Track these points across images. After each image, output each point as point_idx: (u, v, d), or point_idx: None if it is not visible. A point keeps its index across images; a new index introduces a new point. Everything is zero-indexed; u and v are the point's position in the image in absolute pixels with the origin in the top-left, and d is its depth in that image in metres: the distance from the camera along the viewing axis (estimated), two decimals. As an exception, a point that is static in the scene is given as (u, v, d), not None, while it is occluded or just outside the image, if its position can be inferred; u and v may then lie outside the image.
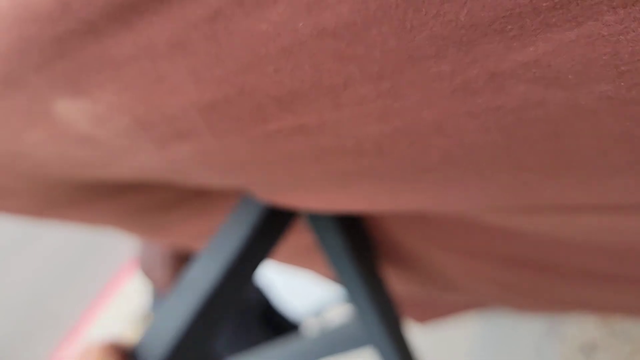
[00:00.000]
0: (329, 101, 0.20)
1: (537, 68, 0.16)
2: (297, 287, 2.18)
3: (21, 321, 3.51)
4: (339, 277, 0.52)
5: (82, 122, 0.26)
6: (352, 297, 0.53)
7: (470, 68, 0.17)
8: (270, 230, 0.39)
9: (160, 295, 1.23)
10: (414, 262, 0.62)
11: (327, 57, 0.18)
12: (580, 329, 1.33)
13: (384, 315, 0.54)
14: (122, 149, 0.29)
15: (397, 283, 0.71)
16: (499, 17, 0.14)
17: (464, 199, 0.28)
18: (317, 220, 0.47)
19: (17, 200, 0.42)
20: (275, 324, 1.64)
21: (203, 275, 0.36)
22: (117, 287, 3.33)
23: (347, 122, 0.22)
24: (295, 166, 0.27)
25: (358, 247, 0.48)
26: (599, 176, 0.22)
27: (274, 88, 0.20)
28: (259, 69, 0.19)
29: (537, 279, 0.57)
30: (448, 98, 0.18)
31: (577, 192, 0.24)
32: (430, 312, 1.02)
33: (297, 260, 0.79)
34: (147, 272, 1.16)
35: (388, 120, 0.20)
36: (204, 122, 0.24)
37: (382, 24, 0.16)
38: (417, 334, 1.20)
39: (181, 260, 1.14)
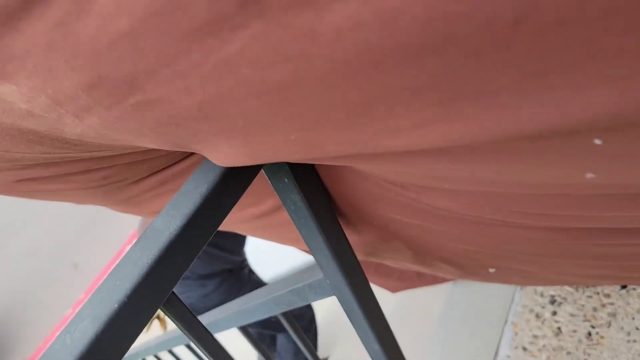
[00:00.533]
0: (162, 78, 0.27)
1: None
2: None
3: (23, 299, 3.56)
4: (301, 231, 0.55)
5: (17, 100, 0.32)
6: (314, 249, 0.57)
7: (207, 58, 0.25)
8: (226, 187, 0.42)
9: None
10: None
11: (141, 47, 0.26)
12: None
13: (345, 266, 0.58)
14: (55, 120, 0.33)
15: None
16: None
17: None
18: (277, 181, 0.50)
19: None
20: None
21: (163, 227, 0.39)
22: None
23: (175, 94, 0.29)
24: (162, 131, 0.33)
25: (316, 202, 0.51)
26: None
27: (118, 70, 0.27)
28: (105, 58, 0.26)
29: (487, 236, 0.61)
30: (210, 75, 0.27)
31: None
32: (401, 283, 1.07)
33: (270, 232, 0.84)
34: None
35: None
36: (92, 99, 0.30)
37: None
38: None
39: None
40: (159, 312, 1.37)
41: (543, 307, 1.36)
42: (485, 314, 1.44)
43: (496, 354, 1.34)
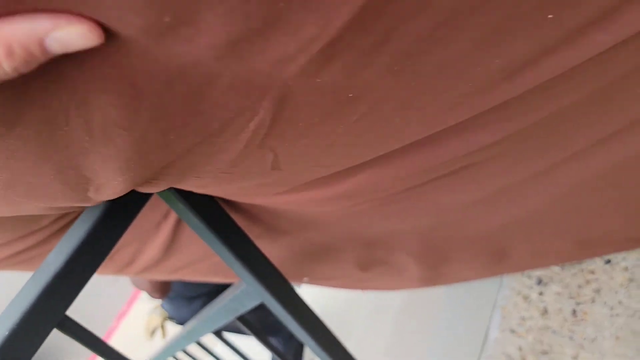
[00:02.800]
0: None
1: None
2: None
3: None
4: (217, 252, 0.62)
5: None
6: (227, 263, 0.63)
7: None
8: (111, 219, 0.49)
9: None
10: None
11: None
12: (532, 264, 1.41)
13: (259, 273, 0.64)
14: None
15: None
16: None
17: None
18: (171, 204, 0.56)
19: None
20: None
21: (52, 261, 0.46)
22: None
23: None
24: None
25: (213, 216, 0.58)
26: None
27: None
28: None
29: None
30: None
31: None
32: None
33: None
34: (138, 286, 1.50)
35: None
36: None
37: None
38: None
39: None
40: (160, 322, 1.47)
41: (530, 289, 1.38)
42: (476, 300, 1.47)
43: (486, 336, 1.37)
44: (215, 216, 0.58)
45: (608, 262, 1.30)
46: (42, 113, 0.27)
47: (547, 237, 0.84)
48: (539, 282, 1.38)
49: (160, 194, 0.56)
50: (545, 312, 1.32)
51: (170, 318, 1.69)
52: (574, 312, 1.28)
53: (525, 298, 1.37)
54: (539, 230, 0.80)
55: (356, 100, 0.30)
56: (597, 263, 1.31)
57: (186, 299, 1.63)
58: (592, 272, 1.31)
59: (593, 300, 1.27)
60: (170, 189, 0.54)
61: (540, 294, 1.36)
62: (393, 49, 0.26)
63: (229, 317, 0.81)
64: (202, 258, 0.84)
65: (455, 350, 1.42)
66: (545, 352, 1.26)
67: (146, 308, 1.79)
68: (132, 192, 0.44)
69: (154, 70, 0.24)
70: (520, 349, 1.30)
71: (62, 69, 0.24)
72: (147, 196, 0.53)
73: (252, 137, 0.33)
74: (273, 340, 1.86)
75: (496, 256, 0.94)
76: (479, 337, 1.38)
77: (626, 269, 1.27)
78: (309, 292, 2.40)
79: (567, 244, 0.87)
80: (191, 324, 0.95)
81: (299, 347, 1.92)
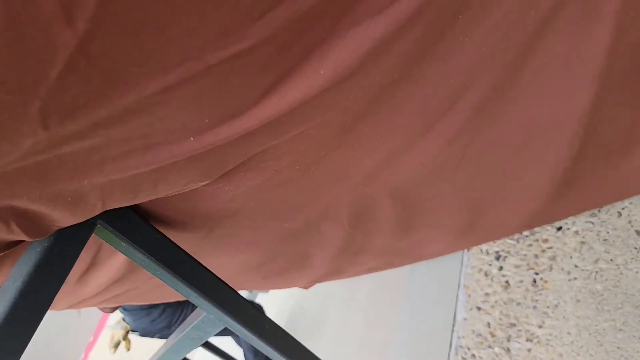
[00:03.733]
0: None
1: None
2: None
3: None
4: (169, 285, 0.58)
5: None
6: (184, 294, 0.60)
7: None
8: (59, 251, 0.45)
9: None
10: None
11: None
12: (490, 242, 1.44)
13: (217, 299, 0.61)
14: None
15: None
16: None
17: None
18: (115, 244, 0.53)
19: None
20: None
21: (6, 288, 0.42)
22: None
23: None
24: None
25: (159, 250, 0.54)
26: None
27: None
28: None
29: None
30: None
31: None
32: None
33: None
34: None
35: None
36: None
37: None
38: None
39: None
40: (122, 335, 1.44)
41: (490, 265, 1.41)
42: (440, 283, 1.48)
43: (454, 318, 1.39)
44: (160, 248, 0.55)
45: (559, 229, 1.34)
46: None
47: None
48: (498, 257, 1.41)
49: (100, 234, 0.52)
50: (507, 285, 1.35)
51: (133, 330, 1.70)
52: (534, 281, 1.31)
53: (487, 274, 1.40)
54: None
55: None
56: (549, 231, 1.35)
57: (144, 309, 1.63)
58: (546, 241, 1.35)
59: (551, 268, 1.31)
60: (108, 228, 0.50)
61: (500, 268, 1.38)
62: None
63: (194, 346, 0.78)
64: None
65: (426, 335, 1.43)
66: (512, 325, 1.29)
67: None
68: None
69: None
70: (488, 325, 1.32)
71: None
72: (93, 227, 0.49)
73: None
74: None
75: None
76: (448, 319, 1.39)
77: (577, 232, 1.32)
78: (278, 294, 2.37)
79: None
80: (156, 356, 0.91)
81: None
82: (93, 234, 0.50)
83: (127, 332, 1.71)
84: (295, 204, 0.68)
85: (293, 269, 1.00)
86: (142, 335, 1.69)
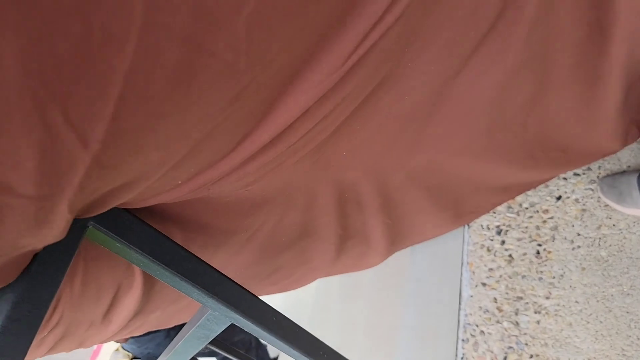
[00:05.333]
0: None
1: None
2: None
3: None
4: (171, 285, 0.56)
5: None
6: (187, 293, 0.57)
7: None
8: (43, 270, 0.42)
9: None
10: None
11: None
12: (490, 218, 1.42)
13: (222, 295, 0.59)
14: None
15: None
16: None
17: None
18: (111, 246, 0.50)
19: None
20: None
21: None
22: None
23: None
24: None
25: (157, 247, 0.51)
26: None
27: None
28: None
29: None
30: None
31: None
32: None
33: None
34: None
35: None
36: None
37: None
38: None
39: None
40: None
41: (492, 240, 1.40)
42: (444, 262, 1.47)
43: (460, 296, 1.38)
44: (158, 246, 0.52)
45: (559, 198, 1.33)
46: None
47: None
48: (499, 231, 1.39)
49: (92, 236, 0.49)
50: (511, 259, 1.34)
51: (135, 358, 1.62)
52: (538, 253, 1.30)
53: (489, 250, 1.39)
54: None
55: None
56: (549, 201, 1.34)
57: (147, 334, 1.58)
58: (546, 211, 1.34)
59: (553, 238, 1.30)
60: (101, 230, 0.47)
61: (503, 242, 1.37)
62: None
63: (200, 346, 0.75)
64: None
65: (433, 316, 1.42)
66: (519, 298, 1.28)
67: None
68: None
69: None
70: (495, 300, 1.31)
71: None
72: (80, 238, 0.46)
73: None
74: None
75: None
76: (454, 297, 1.38)
77: (577, 200, 1.31)
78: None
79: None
80: (165, 357, 0.88)
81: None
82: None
83: None
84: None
85: (298, 273, 1.03)
86: None
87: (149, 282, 0.72)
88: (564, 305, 1.21)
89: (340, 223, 0.90)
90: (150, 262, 0.52)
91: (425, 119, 0.74)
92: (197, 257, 0.57)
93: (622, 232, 1.22)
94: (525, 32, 0.70)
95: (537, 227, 1.33)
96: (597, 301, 1.18)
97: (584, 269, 1.23)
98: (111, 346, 1.66)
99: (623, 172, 1.28)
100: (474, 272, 1.38)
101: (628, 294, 1.15)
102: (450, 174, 0.92)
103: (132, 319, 0.78)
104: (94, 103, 0.31)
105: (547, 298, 1.24)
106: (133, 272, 0.68)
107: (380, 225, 0.99)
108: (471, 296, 1.35)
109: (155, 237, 0.53)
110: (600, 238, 1.24)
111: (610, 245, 1.22)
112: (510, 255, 1.34)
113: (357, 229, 0.97)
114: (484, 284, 1.35)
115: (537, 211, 1.35)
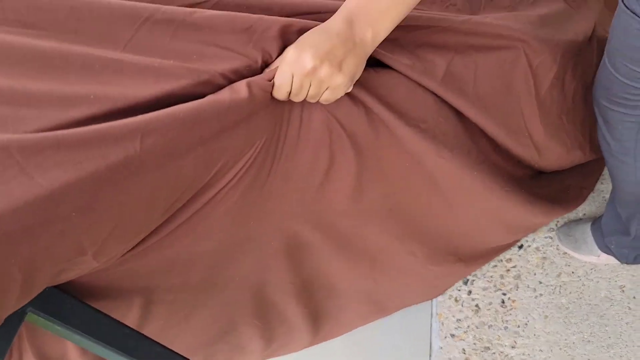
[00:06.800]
0: None
1: None
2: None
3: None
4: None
5: None
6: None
7: None
8: None
9: None
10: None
11: None
12: (456, 266, 1.45)
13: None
14: None
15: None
16: None
17: None
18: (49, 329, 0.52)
19: None
20: None
21: None
22: None
23: None
24: None
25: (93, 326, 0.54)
26: None
27: None
28: None
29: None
30: None
31: None
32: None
33: None
34: None
35: None
36: None
37: None
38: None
39: None
40: None
41: (459, 290, 1.42)
42: (415, 313, 1.48)
43: (430, 347, 1.39)
44: (100, 326, 0.54)
45: (521, 247, 1.37)
46: None
47: None
48: (466, 281, 1.42)
49: (34, 320, 0.51)
50: (477, 309, 1.36)
51: None
52: (503, 302, 1.33)
53: (457, 300, 1.41)
54: None
55: None
56: (512, 250, 1.38)
57: None
58: (510, 260, 1.37)
59: (517, 287, 1.33)
60: (39, 314, 0.50)
61: (469, 292, 1.40)
62: None
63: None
64: None
65: (406, 369, 1.43)
66: (486, 348, 1.30)
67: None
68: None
69: None
70: (463, 351, 1.33)
71: None
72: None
73: None
74: None
75: None
76: (424, 349, 1.39)
77: (538, 249, 1.35)
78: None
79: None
80: None
81: None
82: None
83: None
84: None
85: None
86: None
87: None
88: (529, 355, 1.23)
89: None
90: (93, 342, 0.54)
91: None
92: (140, 333, 0.59)
93: (580, 279, 1.26)
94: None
95: (502, 276, 1.36)
96: (560, 349, 1.20)
97: (546, 317, 1.25)
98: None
99: (579, 220, 1.33)
100: (442, 323, 1.39)
101: (589, 341, 1.17)
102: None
103: None
104: None
105: (513, 347, 1.26)
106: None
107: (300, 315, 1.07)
108: (441, 348, 1.36)
109: (97, 318, 0.55)
110: (560, 285, 1.27)
111: (570, 293, 1.25)
112: (477, 305, 1.37)
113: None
114: (452, 335, 1.36)
115: (501, 260, 1.39)
